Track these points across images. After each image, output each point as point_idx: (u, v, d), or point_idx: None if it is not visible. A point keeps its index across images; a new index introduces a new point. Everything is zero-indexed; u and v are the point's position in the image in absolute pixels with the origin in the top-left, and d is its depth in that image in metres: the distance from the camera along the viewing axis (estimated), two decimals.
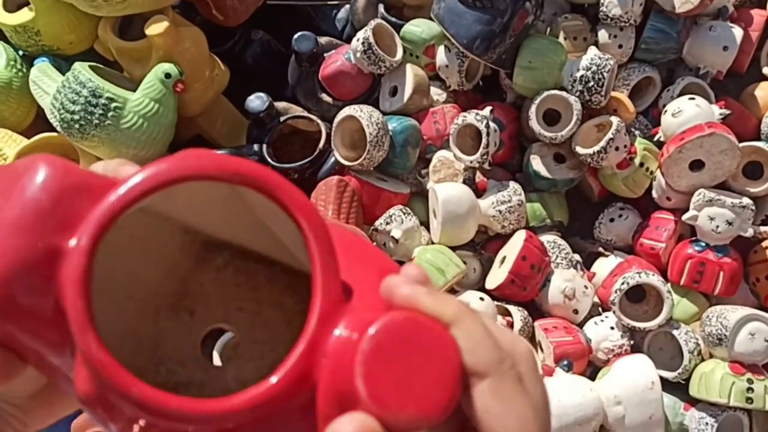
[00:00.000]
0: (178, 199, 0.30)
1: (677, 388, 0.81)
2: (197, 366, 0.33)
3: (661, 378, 0.77)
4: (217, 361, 0.33)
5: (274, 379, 0.24)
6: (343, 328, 0.25)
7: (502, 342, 0.26)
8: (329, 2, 1.13)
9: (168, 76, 0.91)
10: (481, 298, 0.82)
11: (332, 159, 0.95)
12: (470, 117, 0.89)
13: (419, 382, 0.24)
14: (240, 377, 0.32)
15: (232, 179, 0.25)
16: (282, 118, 0.99)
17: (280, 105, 1.01)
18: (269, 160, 0.96)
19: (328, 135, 0.94)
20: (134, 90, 0.92)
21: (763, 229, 0.86)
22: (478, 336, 0.25)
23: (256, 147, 0.98)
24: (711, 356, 0.80)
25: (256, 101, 0.97)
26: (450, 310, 0.25)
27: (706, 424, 0.76)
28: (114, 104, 0.89)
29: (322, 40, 1.02)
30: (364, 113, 0.88)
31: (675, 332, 0.80)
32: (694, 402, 0.79)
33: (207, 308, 0.33)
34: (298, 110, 1.02)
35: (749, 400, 0.73)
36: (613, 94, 0.92)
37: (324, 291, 0.25)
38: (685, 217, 0.84)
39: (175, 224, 0.33)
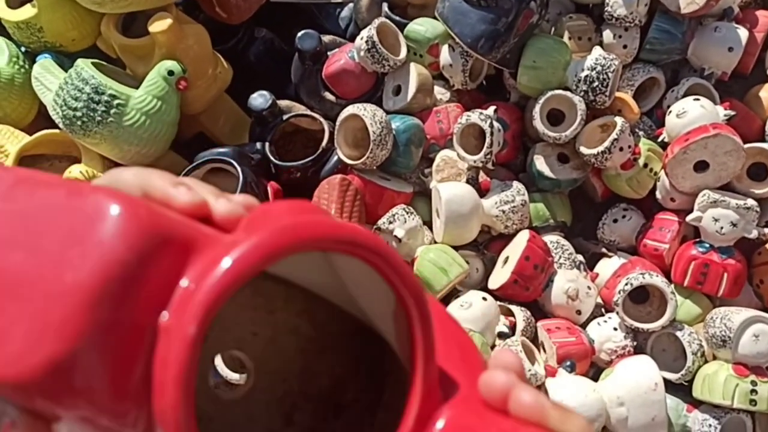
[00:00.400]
0: None
1: (680, 389, 0.81)
2: (205, 397, 0.30)
3: (665, 379, 0.77)
4: (225, 393, 0.30)
5: None
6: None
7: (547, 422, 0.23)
8: (333, 0, 1.13)
9: (171, 73, 0.91)
10: (484, 298, 0.82)
11: (335, 158, 0.94)
12: (474, 116, 0.88)
13: None
14: (250, 413, 0.30)
15: (347, 249, 0.22)
16: (285, 117, 0.99)
17: (283, 103, 1.01)
18: (272, 158, 0.96)
19: (331, 133, 0.94)
20: (137, 87, 0.91)
21: (767, 230, 0.86)
22: None
23: (258, 145, 0.97)
24: (714, 358, 0.80)
25: (259, 99, 0.97)
26: (576, 427, 0.22)
27: (710, 426, 0.75)
28: (116, 101, 0.89)
29: (326, 38, 1.02)
30: (367, 112, 0.88)
31: (678, 333, 0.79)
32: (697, 404, 0.79)
33: (220, 331, 0.30)
34: (301, 108, 1.02)
35: (753, 402, 0.73)
36: (618, 94, 0.92)
37: (424, 385, 0.22)
38: (689, 218, 0.84)
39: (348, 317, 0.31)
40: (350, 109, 0.90)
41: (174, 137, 0.96)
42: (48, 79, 0.95)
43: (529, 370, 0.75)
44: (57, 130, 0.95)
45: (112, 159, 0.94)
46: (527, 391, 0.22)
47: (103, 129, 0.88)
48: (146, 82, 0.91)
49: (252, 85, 1.00)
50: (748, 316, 0.75)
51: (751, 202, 0.81)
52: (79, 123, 0.88)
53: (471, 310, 0.79)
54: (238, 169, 0.84)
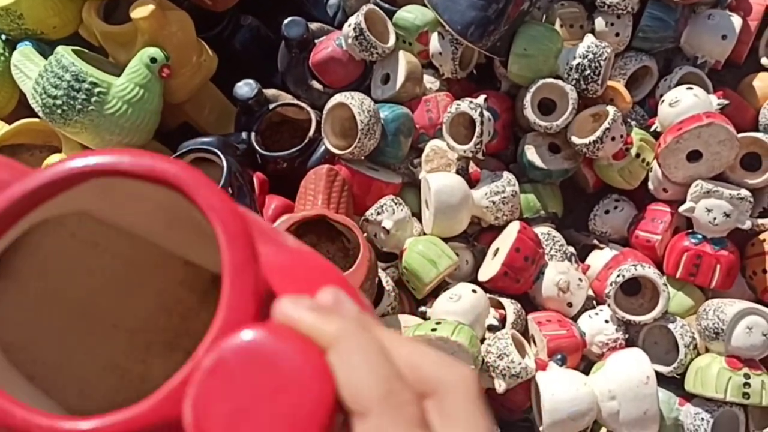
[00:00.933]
0: (148, 220, 0.28)
1: (672, 382, 0.80)
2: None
3: (656, 372, 0.76)
4: None
5: (140, 407, 0.21)
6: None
7: (421, 369, 0.21)
8: None
9: (153, 60, 0.89)
10: (474, 291, 0.80)
11: (322, 148, 0.92)
12: (464, 105, 0.87)
13: (264, 416, 0.19)
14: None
15: (139, 174, 0.23)
16: (271, 106, 0.97)
17: (270, 92, 0.99)
18: (258, 148, 0.94)
19: (318, 123, 0.92)
20: (119, 75, 0.89)
21: (760, 221, 0.85)
22: (358, 362, 0.20)
23: (244, 135, 0.96)
24: (707, 350, 0.79)
25: (245, 88, 0.94)
26: (330, 328, 0.20)
27: (702, 419, 0.74)
28: (98, 89, 0.86)
29: (313, 26, 1.00)
30: (355, 100, 0.86)
31: (671, 326, 0.78)
32: (689, 397, 0.78)
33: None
34: (287, 98, 1.00)
35: (746, 395, 0.72)
36: (610, 83, 0.90)
37: (229, 307, 0.21)
38: (681, 208, 0.82)
39: (177, 257, 0.31)
40: (337, 98, 0.88)
41: (157, 126, 0.94)
42: (28, 67, 0.92)
43: (519, 364, 0.73)
44: (37, 119, 0.93)
45: (93, 148, 0.91)
46: (293, 303, 0.22)
47: (83, 117, 0.86)
48: (128, 70, 0.89)
49: (238, 74, 0.98)
50: (742, 308, 0.73)
51: (744, 192, 0.80)
52: (59, 111, 0.86)
53: (460, 302, 0.78)
54: (223, 159, 0.82)
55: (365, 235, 0.87)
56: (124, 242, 0.30)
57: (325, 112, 0.89)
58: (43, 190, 0.24)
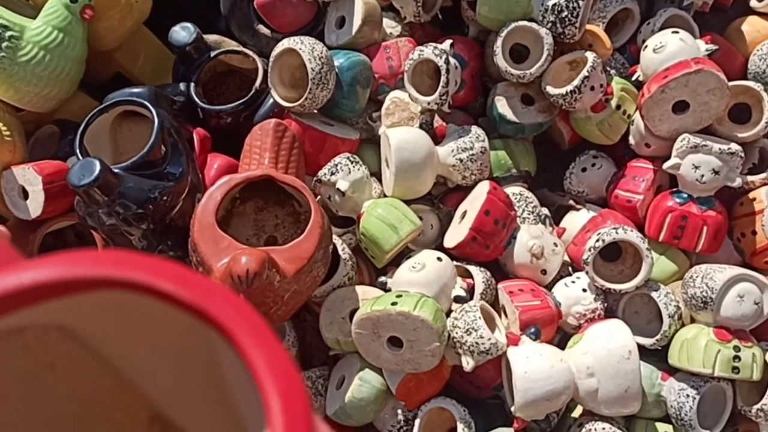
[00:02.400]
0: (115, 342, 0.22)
1: (654, 354, 0.73)
2: None
3: (638, 345, 0.69)
4: None
5: None
6: None
7: None
8: None
9: (74, 0, 0.78)
10: (439, 258, 0.72)
11: (271, 100, 0.83)
12: (427, 51, 0.78)
13: None
14: None
15: (178, 301, 0.17)
16: (212, 54, 0.87)
17: (211, 38, 0.88)
18: (197, 101, 0.84)
19: (266, 72, 0.82)
20: (35, 17, 0.78)
21: (750, 178, 0.78)
22: None
23: (182, 86, 0.85)
24: (693, 321, 0.72)
25: (181, 32, 0.84)
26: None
27: (687, 396, 0.68)
28: (9, 33, 0.75)
29: None
30: (305, 46, 0.76)
31: (654, 294, 0.71)
32: (672, 371, 0.71)
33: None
34: (231, 44, 0.90)
35: (735, 369, 0.66)
36: (588, 27, 0.82)
37: None
38: (666, 165, 0.75)
39: (146, 405, 0.24)
40: (285, 43, 0.78)
41: (82, 76, 0.83)
42: None
43: (489, 339, 0.66)
44: None
45: (8, 102, 0.80)
46: None
47: None
48: (45, 11, 0.78)
49: (178, 19, 0.87)
50: (733, 274, 0.67)
51: (735, 146, 0.73)
52: None
53: (424, 272, 0.70)
54: (153, 112, 0.72)
55: (318, 198, 0.78)
56: (90, 370, 0.23)
57: (271, 59, 0.79)
58: (42, 292, 0.18)
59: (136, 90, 0.77)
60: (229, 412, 0.21)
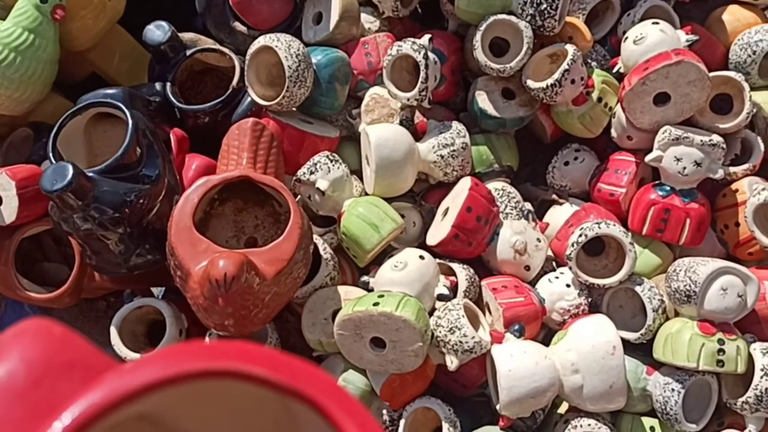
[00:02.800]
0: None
1: (639, 348, 0.73)
2: None
3: (622, 339, 0.69)
4: None
5: None
6: None
7: None
8: None
9: (44, 0, 0.76)
10: (421, 257, 0.71)
11: (248, 99, 0.82)
12: (406, 47, 0.77)
13: None
14: None
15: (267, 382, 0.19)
16: (188, 52, 0.85)
17: (187, 36, 0.87)
18: (174, 100, 0.82)
19: (243, 70, 0.81)
20: (4, 19, 0.77)
21: (732, 169, 0.77)
22: None
23: (158, 86, 0.84)
24: (677, 314, 0.72)
25: (156, 31, 0.82)
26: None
27: (672, 390, 0.67)
28: None
29: None
30: (281, 43, 0.75)
31: (637, 288, 0.71)
32: (657, 365, 0.71)
33: None
34: (208, 42, 0.88)
35: (720, 362, 0.65)
36: (568, 19, 0.81)
37: None
38: (648, 158, 0.75)
39: None
40: (261, 41, 0.77)
41: (55, 78, 0.82)
42: None
43: (473, 338, 0.65)
44: None
45: None
46: None
47: None
48: (14, 12, 0.77)
49: (153, 17, 0.86)
50: (716, 267, 0.66)
51: (716, 138, 0.72)
52: None
53: (406, 271, 0.69)
54: (127, 114, 0.71)
55: (298, 197, 0.77)
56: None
57: (248, 58, 0.78)
58: (145, 391, 0.20)
59: (109, 91, 0.76)
60: None
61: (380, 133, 0.75)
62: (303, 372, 0.20)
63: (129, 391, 0.19)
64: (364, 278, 0.73)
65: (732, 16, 0.86)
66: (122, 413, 0.20)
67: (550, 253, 0.78)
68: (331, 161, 0.75)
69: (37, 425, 0.19)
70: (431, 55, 0.76)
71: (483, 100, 0.81)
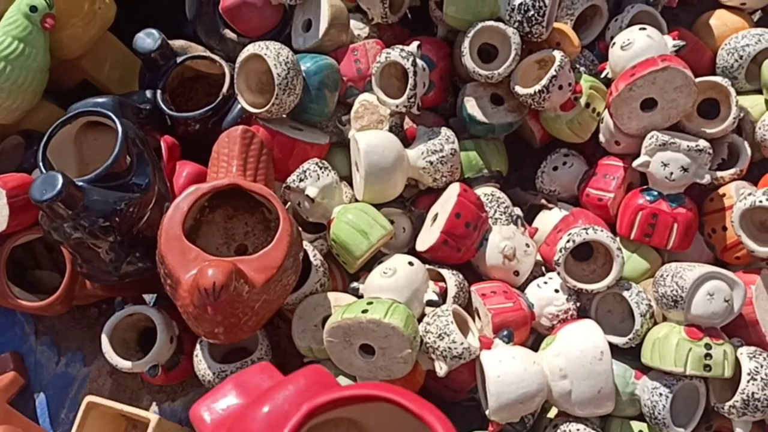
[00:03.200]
0: None
1: (627, 352, 0.73)
2: None
3: (610, 344, 0.69)
4: None
5: None
6: None
7: None
8: None
9: (33, 9, 0.77)
10: (410, 263, 0.72)
11: (239, 106, 0.82)
12: (394, 54, 0.77)
13: None
14: None
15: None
16: (179, 59, 0.86)
17: (177, 44, 0.87)
18: (164, 108, 0.83)
19: (233, 77, 0.81)
20: None
21: (719, 174, 0.78)
22: None
23: (149, 94, 0.84)
24: (664, 319, 0.72)
25: (146, 39, 0.83)
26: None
27: (660, 394, 0.68)
28: None
29: None
30: (270, 51, 0.75)
31: (625, 294, 0.71)
32: (645, 369, 0.71)
33: None
34: (198, 49, 0.89)
35: (707, 367, 0.66)
36: (556, 25, 0.81)
37: None
38: (635, 163, 0.75)
39: None
40: (250, 49, 0.77)
41: (45, 86, 0.82)
42: None
43: (462, 344, 0.66)
44: None
45: None
46: None
47: None
48: (4, 21, 0.77)
49: (144, 24, 0.86)
50: (702, 272, 0.67)
51: (703, 143, 0.73)
52: None
53: (395, 277, 0.69)
54: (117, 123, 0.71)
55: (287, 204, 0.77)
56: None
57: (237, 65, 0.78)
58: (354, 400, 0.39)
59: (99, 100, 0.76)
60: None
61: (369, 139, 0.75)
62: (423, 404, 0.37)
63: (342, 397, 0.38)
64: (354, 284, 0.73)
65: (719, 20, 0.87)
66: (339, 412, 0.39)
67: (539, 258, 0.79)
68: (321, 168, 0.76)
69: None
70: (420, 62, 0.77)
71: (472, 106, 0.82)
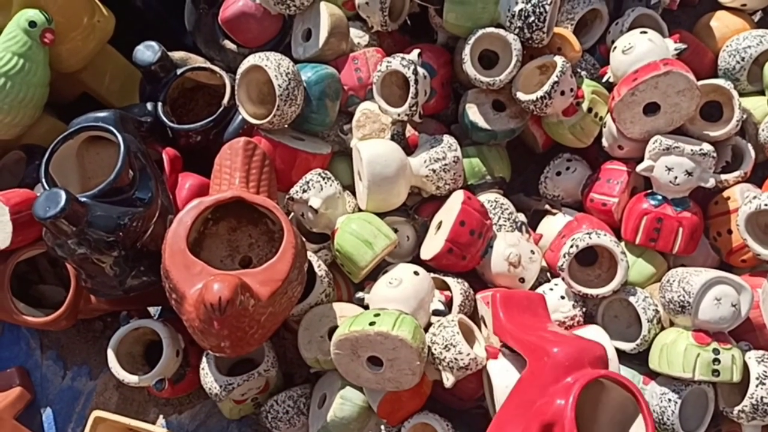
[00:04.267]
0: None
1: (635, 357, 0.73)
2: None
3: (617, 350, 0.69)
4: None
5: None
6: None
7: None
8: None
9: (33, 24, 0.77)
10: (416, 272, 0.71)
11: (240, 117, 0.82)
12: (395, 62, 0.77)
13: None
14: None
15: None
16: (179, 71, 0.85)
17: (177, 55, 0.87)
18: (165, 120, 0.83)
19: (234, 88, 0.81)
20: None
21: (723, 177, 0.78)
22: None
23: (150, 106, 0.84)
24: (672, 324, 0.72)
25: (146, 52, 0.83)
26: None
27: (669, 400, 0.68)
28: None
29: None
30: (270, 62, 0.75)
31: (631, 299, 0.71)
32: (654, 374, 0.71)
33: None
34: (198, 60, 0.88)
35: (716, 372, 0.66)
36: (556, 30, 0.81)
37: None
38: (639, 168, 0.75)
39: None
40: (251, 60, 0.77)
41: (45, 101, 0.82)
42: None
43: (468, 355, 0.66)
44: None
45: None
46: None
47: None
48: (3, 37, 0.77)
49: (143, 36, 0.86)
50: (709, 277, 0.67)
51: (707, 147, 0.73)
52: None
53: (401, 288, 0.69)
54: (119, 137, 0.71)
55: (291, 215, 0.77)
56: None
57: (238, 77, 0.78)
58: None
59: (100, 114, 0.76)
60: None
61: (372, 149, 0.75)
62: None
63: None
64: (360, 294, 0.73)
65: (720, 22, 0.87)
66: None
67: (544, 264, 0.79)
68: (324, 179, 0.76)
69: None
70: (421, 70, 0.77)
71: (474, 113, 0.81)
